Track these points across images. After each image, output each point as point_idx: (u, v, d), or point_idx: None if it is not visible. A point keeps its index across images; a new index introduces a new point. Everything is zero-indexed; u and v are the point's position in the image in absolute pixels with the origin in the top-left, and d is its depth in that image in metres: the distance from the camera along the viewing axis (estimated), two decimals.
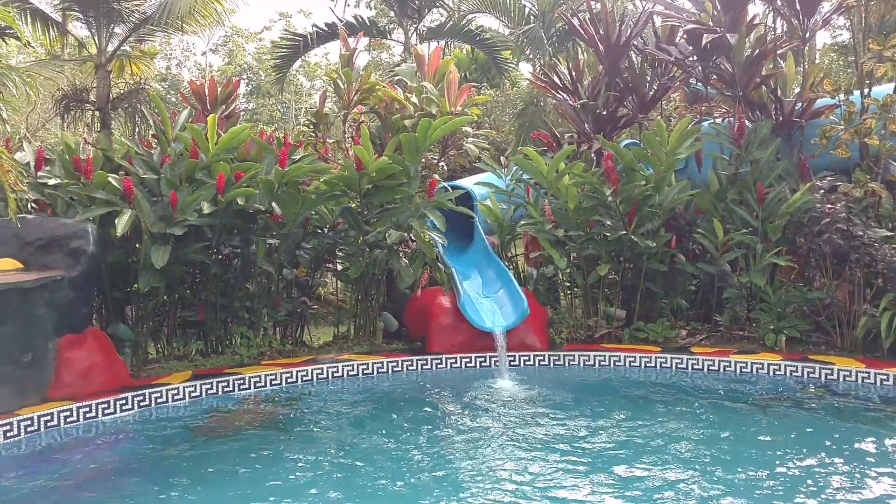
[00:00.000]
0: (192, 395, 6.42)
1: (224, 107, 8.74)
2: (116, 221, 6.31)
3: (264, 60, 26.62)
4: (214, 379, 6.58)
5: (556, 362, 7.46)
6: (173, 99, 21.82)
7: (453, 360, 7.42)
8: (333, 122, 9.41)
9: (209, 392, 6.50)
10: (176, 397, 6.34)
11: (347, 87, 8.79)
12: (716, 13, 8.32)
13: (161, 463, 5.04)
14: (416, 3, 14.82)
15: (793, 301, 7.54)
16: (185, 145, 7.05)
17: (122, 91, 11.49)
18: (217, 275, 7.40)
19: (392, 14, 16.48)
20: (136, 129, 11.60)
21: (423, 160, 8.08)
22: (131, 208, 6.49)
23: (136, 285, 6.82)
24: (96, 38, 10.71)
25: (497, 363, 7.31)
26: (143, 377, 6.66)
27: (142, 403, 6.13)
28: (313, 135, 8.96)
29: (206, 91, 8.66)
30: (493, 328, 7.38)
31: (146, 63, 12.33)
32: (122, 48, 11.08)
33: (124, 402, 6.03)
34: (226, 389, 6.57)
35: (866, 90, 7.81)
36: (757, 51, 8.07)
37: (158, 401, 6.24)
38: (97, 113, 11.04)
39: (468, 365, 7.41)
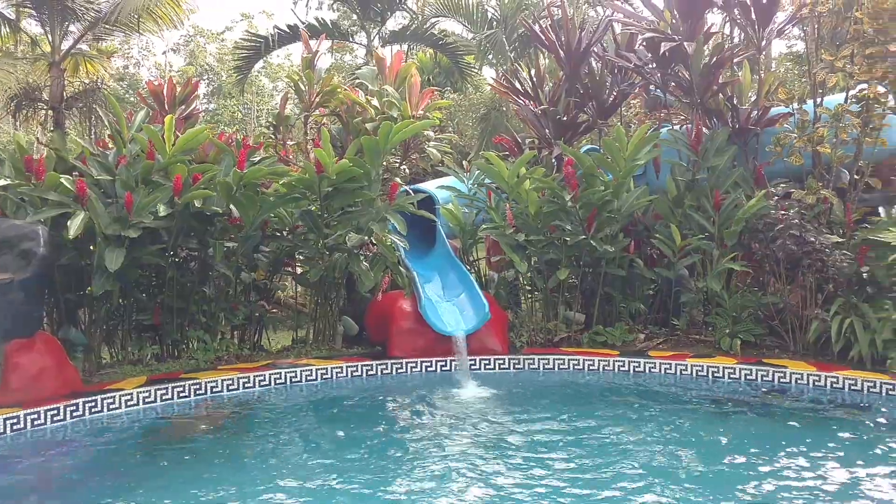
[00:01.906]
0: (147, 400, 6.30)
1: (183, 107, 8.63)
2: (69, 223, 6.17)
3: (226, 61, 26.34)
4: (170, 384, 6.46)
5: (517, 366, 7.48)
6: (132, 99, 21.48)
7: (414, 365, 7.39)
8: (294, 124, 9.32)
9: (164, 398, 6.38)
10: (130, 403, 6.21)
11: (308, 90, 8.72)
12: (674, 22, 8.44)
13: (113, 471, 4.93)
14: (379, 6, 14.80)
15: (748, 306, 7.68)
16: (141, 146, 6.93)
17: (76, 90, 11.26)
18: (173, 278, 7.28)
19: (355, 17, 16.42)
20: (93, 130, 11.38)
21: (384, 163, 8.05)
22: (84, 210, 6.34)
23: (89, 288, 6.67)
24: (50, 37, 10.49)
25: (458, 367, 7.31)
26: (96, 383, 6.51)
27: (94, 410, 5.99)
28: (273, 137, 8.88)
29: (165, 91, 8.53)
30: (454, 332, 7.37)
31: (102, 62, 12.10)
32: (77, 47, 10.87)
33: (75, 408, 5.89)
34: (181, 395, 6.46)
35: (819, 99, 7.99)
36: (714, 59, 8.21)
37: (111, 407, 6.10)
38: (51, 112, 10.80)
39: (429, 369, 7.39)
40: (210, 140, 7.51)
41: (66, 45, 10.60)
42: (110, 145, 7.45)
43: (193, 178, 6.88)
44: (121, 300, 7.29)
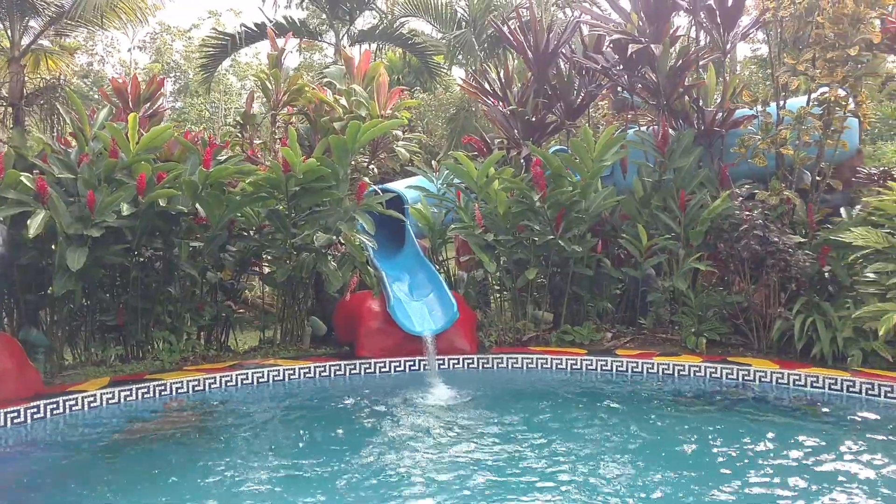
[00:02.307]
0: (110, 402, 6.20)
1: (148, 105, 8.51)
2: (29, 222, 6.03)
3: (193, 59, 26.03)
4: (134, 385, 6.36)
5: (485, 365, 7.49)
6: (96, 97, 21.11)
7: (382, 365, 7.37)
8: (261, 123, 9.24)
9: (128, 399, 6.28)
10: (92, 405, 6.11)
11: (276, 88, 8.66)
12: (641, 24, 8.52)
13: (75, 473, 4.84)
14: (348, 5, 14.74)
15: (713, 305, 7.78)
16: (104, 144, 6.81)
17: (37, 87, 11.04)
18: (137, 278, 7.17)
19: (324, 16, 16.33)
20: (55, 128, 11.17)
21: (352, 163, 8.02)
22: (45, 209, 6.22)
23: (50, 288, 6.55)
24: (9, 32, 10.26)
25: (427, 367, 7.30)
26: (58, 384, 6.40)
27: (55, 412, 5.88)
28: (240, 135, 8.79)
29: (129, 89, 8.40)
30: (422, 332, 7.36)
31: (65, 59, 11.87)
32: (38, 42, 10.65)
33: (36, 410, 5.77)
34: (146, 396, 6.37)
35: (782, 102, 8.12)
36: (680, 61, 8.31)
37: (73, 409, 6.00)
38: (10, 109, 10.57)
39: (397, 369, 7.37)
40: (175, 138, 7.41)
41: (26, 40, 10.39)
42: (73, 143, 7.32)
43: (158, 177, 6.79)
44: (84, 300, 7.16)
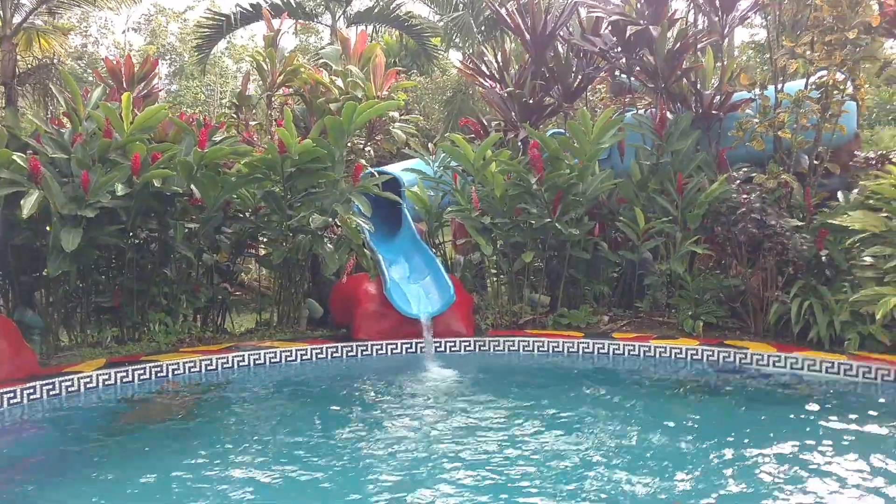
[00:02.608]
0: (106, 383, 6.18)
1: (142, 86, 8.43)
2: (23, 202, 5.99)
3: (188, 41, 25.82)
4: (130, 366, 6.34)
5: (482, 348, 7.48)
6: (91, 79, 20.95)
7: (379, 347, 7.36)
8: (257, 104, 9.17)
9: (124, 380, 6.26)
10: (88, 386, 6.09)
11: (271, 69, 8.59)
12: (639, 6, 8.46)
13: (70, 454, 4.83)
14: None
15: (710, 288, 7.78)
16: (98, 124, 6.75)
17: (30, 66, 10.93)
18: (133, 259, 7.14)
19: None
20: (49, 108, 11.07)
21: (348, 145, 7.97)
22: (39, 189, 6.17)
23: (45, 270, 6.51)
24: (0, 10, 10.15)
25: (423, 350, 7.30)
26: (54, 365, 6.37)
27: (51, 392, 5.86)
28: (235, 116, 8.73)
29: (123, 69, 8.32)
30: (419, 314, 7.36)
31: (58, 39, 11.75)
32: (30, 21, 10.53)
33: (32, 391, 5.75)
34: (142, 377, 6.35)
35: (780, 85, 8.08)
36: (678, 44, 8.25)
37: (69, 389, 5.98)
38: (2, 88, 10.47)
39: (394, 351, 7.36)
40: (170, 119, 7.35)
41: (17, 18, 10.27)
42: (66, 123, 7.25)
43: (152, 158, 6.73)
44: (79, 282, 7.13)
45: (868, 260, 6.98)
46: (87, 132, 6.78)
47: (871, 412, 5.69)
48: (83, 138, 6.71)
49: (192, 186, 7.07)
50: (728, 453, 4.72)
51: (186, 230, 7.14)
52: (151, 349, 6.94)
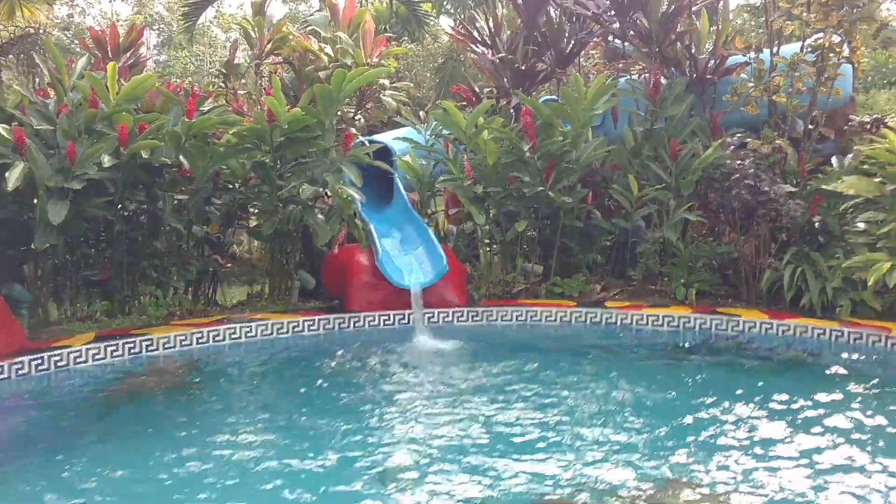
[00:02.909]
0: (97, 357, 6.13)
1: (128, 55, 8.30)
2: (7, 175, 5.90)
3: (176, 10, 25.42)
4: (120, 340, 6.29)
5: (475, 318, 7.46)
6: (77, 49, 20.64)
7: (371, 318, 7.32)
8: (245, 72, 9.04)
9: (115, 354, 6.22)
10: (78, 360, 6.04)
11: (259, 37, 8.46)
12: None
13: (61, 429, 4.82)
14: None
15: (703, 255, 7.75)
16: (83, 94, 6.64)
17: (13, 36, 10.73)
18: (122, 232, 7.06)
19: None
20: (36, 80, 10.89)
21: (338, 113, 7.88)
22: (24, 161, 6.07)
23: (33, 244, 6.43)
24: None
25: (415, 320, 7.26)
26: (44, 340, 6.31)
27: (40, 367, 5.81)
28: (223, 85, 8.60)
29: (108, 38, 8.18)
30: (411, 285, 7.31)
31: (42, 8, 11.53)
32: None
33: (20, 366, 5.70)
34: (132, 351, 6.31)
35: (775, 48, 7.98)
36: (673, 7, 8.13)
37: (59, 364, 5.93)
38: None
39: (387, 323, 7.33)
40: (157, 89, 7.24)
41: None
42: (52, 95, 7.13)
43: (140, 128, 6.63)
44: (67, 255, 7.05)
45: (861, 226, 6.96)
46: (72, 103, 6.67)
47: (861, 378, 5.70)
48: (68, 109, 6.60)
49: (181, 157, 6.98)
50: (719, 419, 4.73)
51: (176, 202, 7.06)
52: (142, 323, 6.89)
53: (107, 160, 6.32)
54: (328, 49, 8.47)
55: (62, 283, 7.31)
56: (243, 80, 9.14)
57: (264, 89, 8.35)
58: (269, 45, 8.46)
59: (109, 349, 6.20)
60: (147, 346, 6.38)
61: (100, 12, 27.28)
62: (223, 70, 8.72)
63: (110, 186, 6.73)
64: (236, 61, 8.68)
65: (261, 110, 7.12)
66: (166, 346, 6.45)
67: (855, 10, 7.33)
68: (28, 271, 7.07)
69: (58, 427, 4.85)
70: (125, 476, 3.99)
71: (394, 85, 9.33)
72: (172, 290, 7.40)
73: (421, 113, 10.23)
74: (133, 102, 6.85)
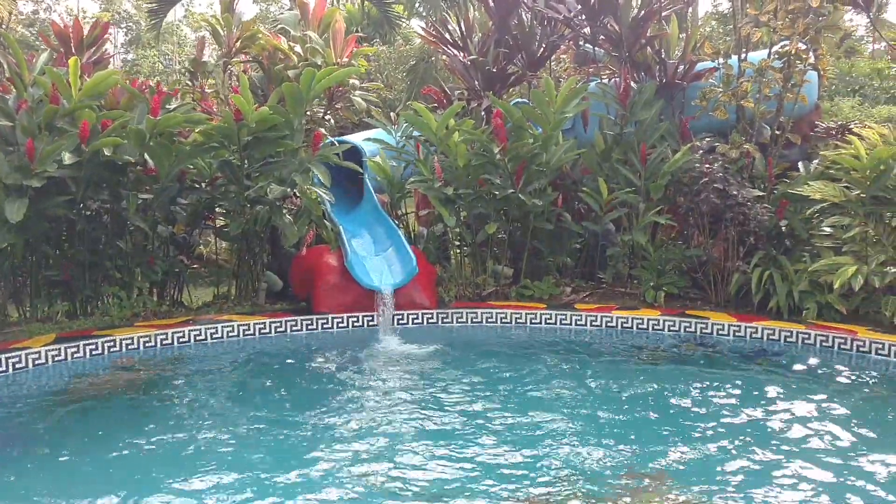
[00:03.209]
0: (57, 359, 5.99)
1: (92, 51, 8.10)
2: None
3: (144, 9, 25.09)
4: (81, 341, 6.15)
5: (445, 320, 7.42)
6: (41, 46, 20.26)
7: (340, 320, 7.25)
8: (213, 70, 8.89)
9: (75, 356, 6.08)
10: (37, 362, 5.89)
11: (227, 35, 8.32)
12: None
13: (17, 431, 4.67)
14: None
15: (672, 259, 7.78)
16: (44, 90, 6.47)
17: None
18: (84, 231, 6.90)
19: None
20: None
21: (308, 113, 7.78)
22: None
23: None
24: None
25: (382, 322, 7.20)
26: (1, 341, 6.15)
27: None
28: (190, 84, 8.45)
29: (71, 33, 7.98)
30: (380, 286, 7.24)
31: (3, 3, 11.26)
32: None
33: None
34: (94, 352, 6.17)
35: (743, 54, 8.06)
36: (643, 12, 8.17)
37: (17, 366, 5.78)
38: None
39: (355, 325, 7.26)
40: (122, 86, 7.08)
41: None
42: (12, 90, 6.94)
43: (102, 125, 6.48)
44: (27, 255, 6.87)
45: (827, 230, 7.05)
46: (32, 98, 6.50)
47: (827, 379, 5.76)
48: (28, 105, 6.43)
49: (146, 156, 6.83)
50: (686, 420, 4.74)
51: (140, 201, 6.91)
52: (105, 324, 6.74)
53: (68, 157, 6.17)
54: (298, 48, 8.36)
55: (22, 283, 7.13)
56: (211, 80, 8.99)
57: (232, 88, 8.22)
58: (238, 44, 8.33)
59: (70, 351, 6.06)
60: (109, 347, 6.25)
61: (66, 9, 26.86)
62: (190, 68, 8.56)
63: (72, 185, 6.57)
64: (204, 59, 8.53)
65: (229, 109, 7.00)
66: (129, 347, 6.33)
67: (820, 19, 7.43)
68: None
69: (13, 430, 4.70)
70: (74, 475, 3.88)
71: (364, 86, 9.25)
72: (137, 291, 7.25)
73: (392, 114, 10.18)
74: (96, 99, 6.69)
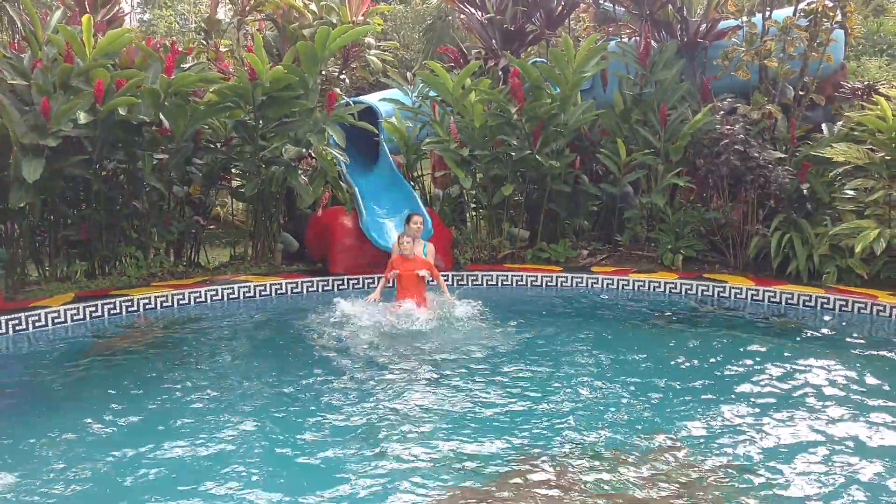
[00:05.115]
0: (75, 318, 6.05)
1: (105, 10, 8.04)
2: None
3: None
4: (99, 301, 6.21)
5: (460, 282, 7.40)
6: (56, 4, 20.13)
7: (356, 282, 7.26)
8: (227, 29, 8.81)
9: (94, 315, 6.14)
10: (56, 321, 5.96)
11: None
12: None
13: (38, 388, 4.72)
14: None
15: (690, 221, 7.70)
16: (58, 49, 6.43)
17: None
18: (101, 191, 6.92)
19: None
20: (14, 35, 10.56)
21: (323, 73, 7.70)
22: None
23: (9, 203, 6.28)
24: None
25: None
26: (21, 300, 6.23)
27: (17, 328, 5.73)
28: (204, 43, 8.38)
29: None
30: None
31: None
32: None
33: None
34: (112, 312, 6.22)
35: (768, 12, 7.85)
36: None
37: (37, 324, 5.85)
38: None
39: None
40: (136, 45, 7.03)
41: None
42: (27, 49, 6.91)
43: (117, 85, 6.45)
44: (45, 214, 6.91)
45: (850, 193, 6.93)
46: (47, 57, 6.47)
47: (846, 344, 5.70)
48: (43, 64, 6.40)
49: (160, 115, 6.82)
50: (700, 383, 4.71)
51: (156, 161, 6.91)
52: (122, 284, 6.80)
53: (83, 117, 6.16)
54: (313, 6, 8.26)
55: (40, 242, 7.18)
56: (226, 40, 8.91)
57: (246, 47, 8.15)
58: (253, 2, 8.24)
59: (88, 310, 6.11)
60: (127, 307, 6.31)
61: None
62: (204, 27, 8.48)
63: (88, 145, 6.58)
64: (217, 17, 8.45)
65: (243, 68, 6.94)
66: (146, 307, 6.39)
67: None
68: (5, 230, 6.93)
69: (34, 387, 4.75)
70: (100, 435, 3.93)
71: (380, 45, 9.13)
72: (153, 252, 7.29)
73: (408, 74, 10.06)
74: (110, 58, 6.66)
